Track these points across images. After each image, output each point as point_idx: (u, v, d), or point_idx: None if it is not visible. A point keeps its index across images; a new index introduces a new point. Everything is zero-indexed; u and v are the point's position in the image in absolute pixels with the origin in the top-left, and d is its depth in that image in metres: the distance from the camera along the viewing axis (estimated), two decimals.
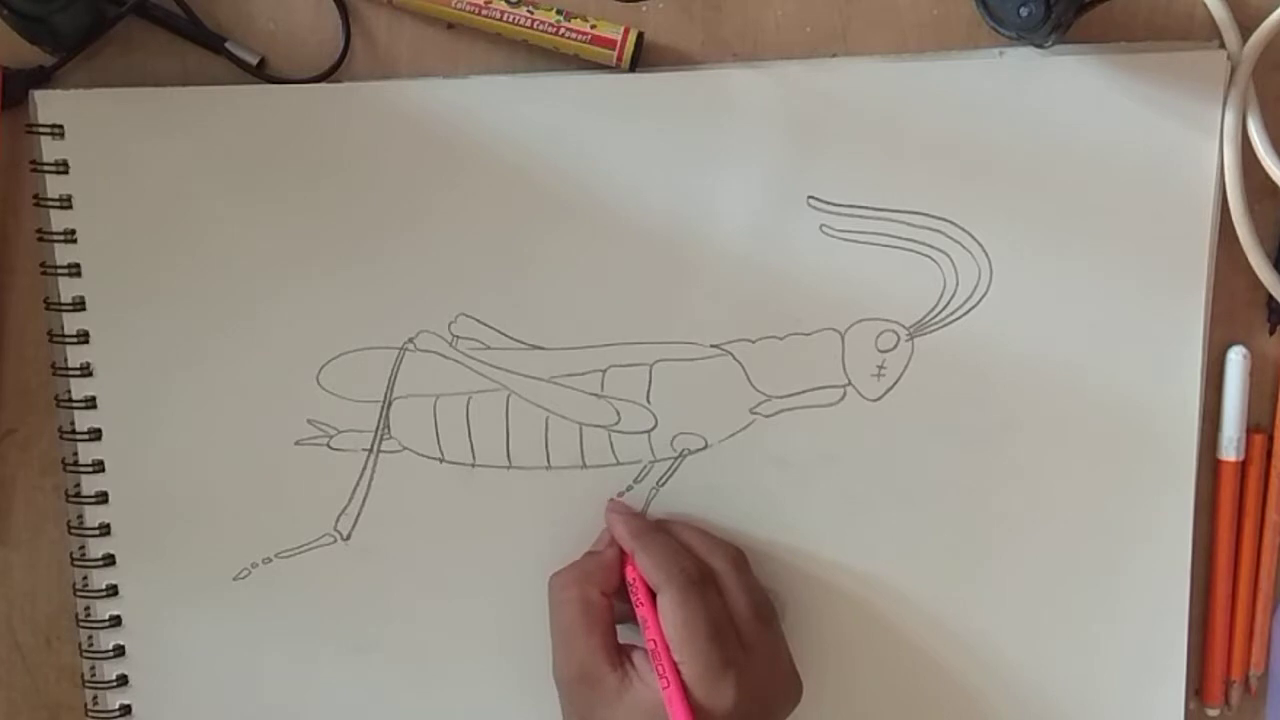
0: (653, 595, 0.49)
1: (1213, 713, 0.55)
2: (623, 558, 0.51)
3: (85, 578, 0.55)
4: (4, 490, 0.55)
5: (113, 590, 0.54)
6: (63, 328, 0.53)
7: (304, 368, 0.53)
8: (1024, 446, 0.53)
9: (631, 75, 0.51)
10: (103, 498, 0.54)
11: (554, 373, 0.53)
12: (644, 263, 0.52)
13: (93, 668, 0.55)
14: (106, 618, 0.55)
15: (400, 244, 0.53)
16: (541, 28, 0.51)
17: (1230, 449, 0.53)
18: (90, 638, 0.55)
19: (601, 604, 0.50)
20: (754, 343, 0.53)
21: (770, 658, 0.50)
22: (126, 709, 0.55)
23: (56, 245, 0.53)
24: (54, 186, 0.52)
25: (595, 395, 0.53)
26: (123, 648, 0.55)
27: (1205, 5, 0.50)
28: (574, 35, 0.51)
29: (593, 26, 0.51)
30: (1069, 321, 0.52)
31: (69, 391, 0.53)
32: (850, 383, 0.53)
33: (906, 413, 0.53)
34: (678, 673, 0.47)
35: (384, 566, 0.54)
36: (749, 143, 0.52)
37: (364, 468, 0.54)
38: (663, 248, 0.52)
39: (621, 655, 0.49)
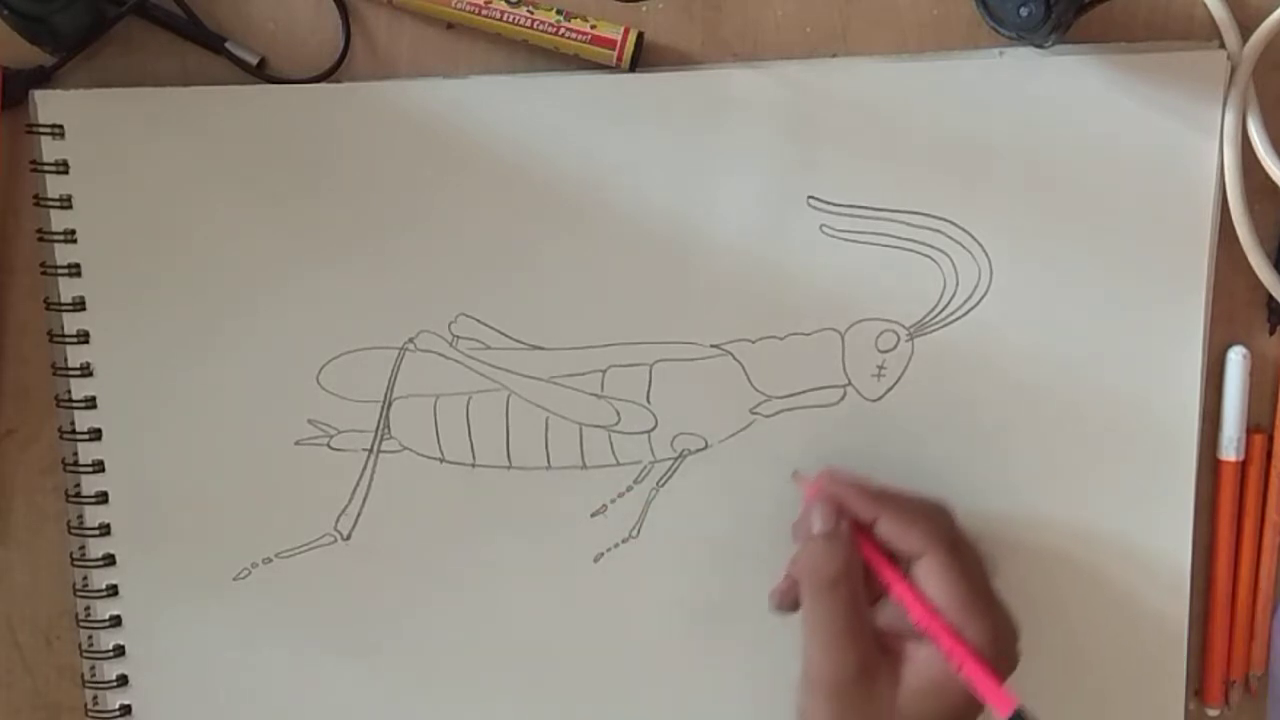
0: (895, 567, 0.46)
1: (1213, 713, 0.55)
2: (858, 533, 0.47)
3: (85, 578, 0.55)
4: (4, 490, 0.55)
5: (113, 590, 0.54)
6: (63, 328, 0.53)
7: (304, 368, 0.53)
8: (1023, 446, 0.53)
9: (631, 75, 0.51)
10: (103, 498, 0.54)
11: (554, 373, 0.53)
12: (644, 263, 0.52)
13: (93, 668, 0.55)
14: (106, 618, 0.55)
15: (400, 244, 0.53)
16: (541, 28, 0.51)
17: (1230, 449, 0.53)
18: (90, 638, 0.55)
19: (863, 591, 0.46)
20: (754, 343, 0.53)
21: (1004, 606, 0.46)
22: (126, 709, 0.55)
23: (56, 245, 0.53)
24: (54, 186, 0.52)
25: (595, 395, 0.53)
26: (123, 648, 0.55)
27: (1205, 5, 0.50)
28: (574, 35, 0.51)
29: (593, 26, 0.51)
30: (1069, 321, 0.52)
31: (69, 391, 0.53)
32: (850, 383, 0.53)
33: (906, 413, 0.53)
34: (965, 643, 0.44)
35: (384, 566, 0.54)
36: (749, 143, 0.52)
37: (364, 468, 0.54)
38: (663, 248, 0.52)
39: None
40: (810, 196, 0.52)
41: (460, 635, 0.55)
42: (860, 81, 0.51)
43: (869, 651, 0.45)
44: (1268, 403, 0.53)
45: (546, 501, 0.54)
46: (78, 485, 0.54)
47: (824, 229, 0.52)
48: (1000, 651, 0.45)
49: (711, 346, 0.53)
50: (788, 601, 0.49)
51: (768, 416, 0.53)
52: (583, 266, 0.52)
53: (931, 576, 0.45)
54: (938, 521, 0.46)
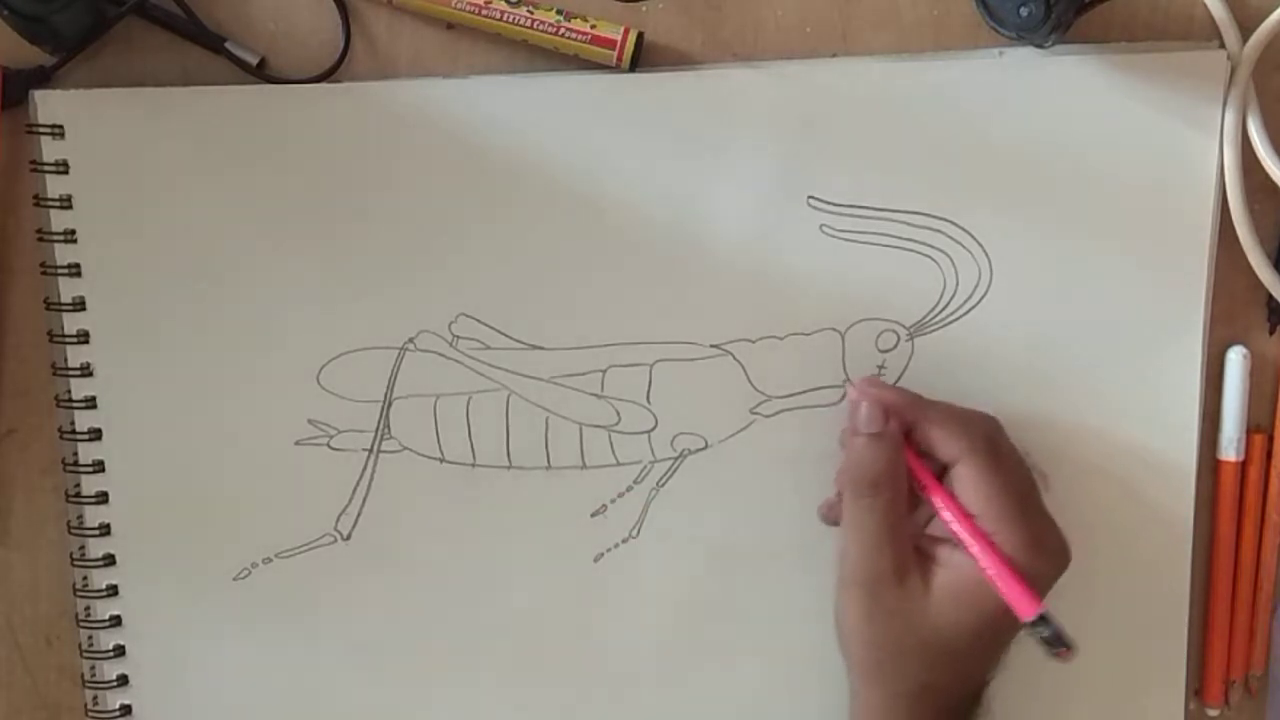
0: (935, 474, 0.47)
1: (1213, 713, 0.55)
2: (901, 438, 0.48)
3: (85, 578, 0.55)
4: (4, 490, 0.55)
5: (113, 590, 0.54)
6: (63, 328, 0.53)
7: (304, 368, 0.53)
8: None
9: (631, 75, 0.51)
10: (103, 498, 0.54)
11: (554, 373, 0.53)
12: (644, 263, 0.52)
13: (93, 668, 0.55)
14: (106, 618, 0.55)
15: (400, 244, 0.53)
16: (541, 28, 0.51)
17: (1230, 449, 0.53)
18: (90, 638, 0.55)
19: (905, 494, 0.48)
20: (754, 343, 0.53)
21: (1052, 521, 0.48)
22: (126, 709, 0.55)
23: (56, 245, 0.53)
24: (54, 186, 0.52)
25: (595, 395, 0.53)
26: (123, 648, 0.55)
27: (1205, 5, 0.50)
28: (574, 35, 0.51)
29: (593, 26, 0.51)
30: (1069, 321, 0.52)
31: (69, 391, 0.53)
32: (850, 382, 0.53)
33: None
34: (995, 548, 0.45)
35: (384, 566, 0.54)
36: (749, 143, 0.52)
37: (364, 468, 0.54)
38: (663, 248, 0.52)
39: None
40: (810, 196, 0.52)
41: (460, 635, 0.55)
42: (860, 81, 0.51)
43: (904, 553, 0.47)
44: (1268, 403, 0.53)
45: (546, 501, 0.54)
46: (78, 485, 0.54)
47: (824, 229, 0.52)
48: (1036, 565, 0.45)
49: (711, 346, 0.53)
50: (835, 514, 0.50)
51: (768, 416, 0.53)
52: (583, 266, 0.52)
53: (966, 482, 0.46)
54: (976, 429, 0.47)
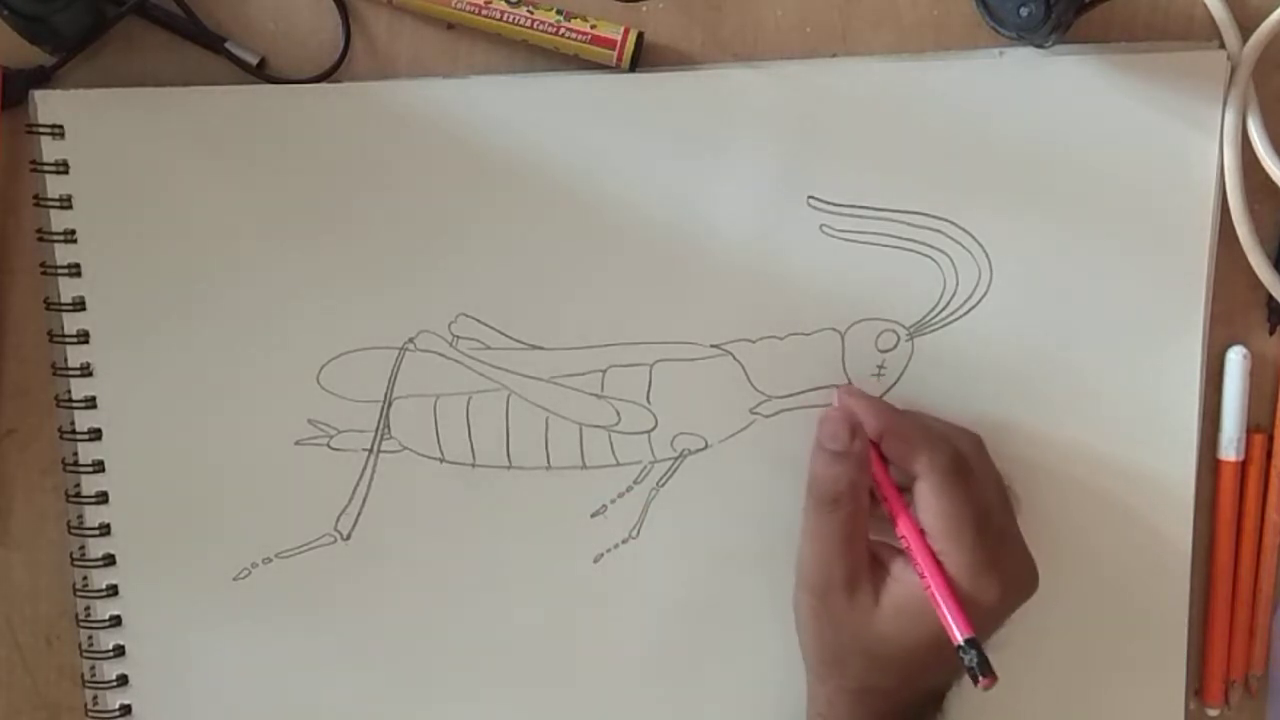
0: (897, 487, 0.48)
1: (1213, 713, 0.55)
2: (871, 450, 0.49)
3: (85, 578, 0.55)
4: (4, 490, 0.55)
5: (113, 590, 0.54)
6: (63, 328, 0.53)
7: (304, 368, 0.53)
8: (1023, 446, 0.52)
9: (631, 75, 0.51)
10: (103, 498, 0.54)
11: (554, 373, 0.53)
12: (644, 263, 0.52)
13: (93, 668, 0.55)
14: (106, 618, 0.55)
15: (400, 244, 0.53)
16: (541, 28, 0.51)
17: (1230, 449, 0.53)
18: (90, 638, 0.55)
19: (866, 508, 0.48)
20: (754, 343, 0.53)
21: (1020, 547, 0.48)
22: (126, 709, 0.55)
23: (56, 245, 0.53)
24: (54, 186, 0.52)
25: (595, 395, 0.53)
26: (123, 648, 0.55)
27: (1205, 5, 0.50)
28: (574, 35, 0.51)
29: (593, 26, 0.51)
30: (1069, 321, 0.52)
31: (69, 391, 0.53)
32: (850, 383, 0.53)
33: None
34: (941, 566, 0.45)
35: (384, 566, 0.54)
36: (749, 143, 0.52)
37: (364, 468, 0.54)
38: (663, 248, 0.52)
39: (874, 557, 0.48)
40: (810, 196, 0.52)
41: (460, 635, 0.55)
42: (860, 81, 0.51)
43: (858, 565, 0.47)
44: (1268, 403, 0.53)
45: (546, 501, 0.54)
46: (78, 485, 0.54)
47: (824, 229, 0.52)
48: (982, 589, 0.45)
49: (711, 346, 0.53)
50: None
51: (768, 416, 0.53)
52: (583, 266, 0.52)
53: (923, 499, 0.46)
54: (941, 447, 0.47)
